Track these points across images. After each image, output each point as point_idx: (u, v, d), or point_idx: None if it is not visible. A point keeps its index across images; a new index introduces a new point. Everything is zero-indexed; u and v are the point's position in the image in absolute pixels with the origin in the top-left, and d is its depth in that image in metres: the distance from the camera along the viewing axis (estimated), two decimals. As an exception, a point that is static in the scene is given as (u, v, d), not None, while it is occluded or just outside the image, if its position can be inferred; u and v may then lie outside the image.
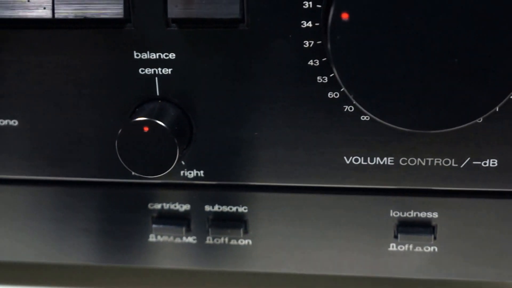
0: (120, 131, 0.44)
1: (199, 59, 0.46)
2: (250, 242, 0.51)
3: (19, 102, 0.48)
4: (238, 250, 0.51)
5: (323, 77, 0.45)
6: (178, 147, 0.45)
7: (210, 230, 0.50)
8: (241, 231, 0.50)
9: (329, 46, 0.41)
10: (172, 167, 0.45)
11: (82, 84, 0.47)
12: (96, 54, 0.47)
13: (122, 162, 0.45)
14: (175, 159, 0.45)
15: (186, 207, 0.50)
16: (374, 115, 0.42)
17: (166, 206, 0.51)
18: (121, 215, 0.51)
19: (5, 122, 0.49)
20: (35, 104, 0.48)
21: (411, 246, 0.49)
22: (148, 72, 0.46)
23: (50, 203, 0.52)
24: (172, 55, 0.46)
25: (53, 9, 0.45)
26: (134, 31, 0.46)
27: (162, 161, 0.45)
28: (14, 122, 0.49)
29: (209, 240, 0.51)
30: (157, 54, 0.46)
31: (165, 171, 0.45)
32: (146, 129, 0.44)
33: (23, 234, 0.52)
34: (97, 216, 0.51)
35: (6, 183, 0.51)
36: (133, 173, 0.45)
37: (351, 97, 0.42)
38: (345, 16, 0.40)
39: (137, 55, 0.46)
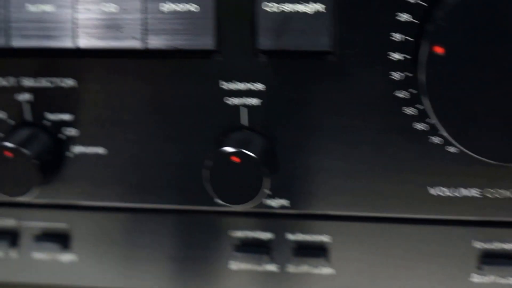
0: (209, 160, 0.45)
1: (287, 90, 0.46)
2: (332, 271, 0.51)
3: (107, 130, 0.49)
4: (320, 279, 0.51)
5: (410, 108, 0.45)
6: (266, 177, 0.45)
7: (292, 258, 0.50)
8: (324, 260, 0.50)
9: (422, 79, 0.41)
10: (260, 196, 0.45)
11: (169, 113, 0.48)
12: (183, 83, 0.47)
13: (210, 191, 0.46)
14: (263, 188, 0.45)
15: (268, 235, 0.51)
16: (466, 148, 0.42)
17: (248, 234, 0.51)
18: (202, 242, 0.52)
19: (93, 150, 0.50)
20: (122, 132, 0.49)
21: (494, 278, 0.49)
22: (234, 101, 0.47)
23: (134, 229, 0.52)
24: (259, 85, 0.47)
25: (144, 40, 0.46)
26: (222, 61, 0.46)
27: (250, 190, 0.45)
28: (101, 150, 0.50)
29: (290, 268, 0.51)
30: (245, 84, 0.47)
31: (252, 201, 0.45)
32: (235, 159, 0.45)
33: (107, 260, 0.53)
34: (179, 243, 0.52)
35: (92, 210, 0.52)
36: (219, 201, 0.46)
37: (443, 129, 0.42)
38: (439, 50, 0.40)
39: (224, 85, 0.47)
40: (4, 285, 0.57)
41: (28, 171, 0.48)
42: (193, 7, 0.46)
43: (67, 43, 0.47)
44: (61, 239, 0.54)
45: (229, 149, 0.45)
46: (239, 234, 0.51)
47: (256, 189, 0.45)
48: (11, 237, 0.54)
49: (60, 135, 0.50)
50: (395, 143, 0.46)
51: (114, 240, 0.53)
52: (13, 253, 0.54)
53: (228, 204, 0.46)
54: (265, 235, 0.51)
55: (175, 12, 0.46)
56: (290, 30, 0.44)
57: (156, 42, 0.46)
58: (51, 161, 0.50)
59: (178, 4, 0.46)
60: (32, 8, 0.47)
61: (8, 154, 0.47)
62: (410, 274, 0.50)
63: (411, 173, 0.47)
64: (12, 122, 0.50)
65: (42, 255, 0.54)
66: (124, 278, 0.54)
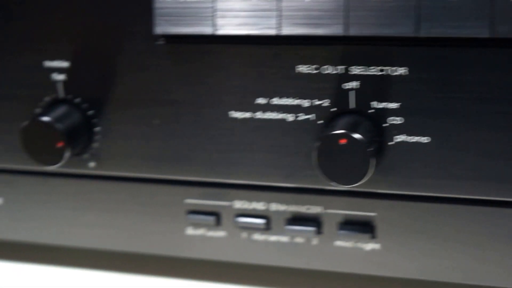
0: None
1: None
2: None
3: (433, 119, 0.48)
4: None
5: None
6: None
7: None
8: None
9: None
10: None
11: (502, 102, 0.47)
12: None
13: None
14: None
15: None
16: None
17: None
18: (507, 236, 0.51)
19: (415, 139, 0.49)
20: (450, 121, 0.48)
21: None
22: None
23: (437, 220, 0.52)
24: None
25: (492, 28, 0.45)
26: None
27: None
28: (425, 139, 0.49)
29: None
30: None
31: None
32: None
33: (411, 250, 0.53)
34: (482, 235, 0.51)
35: (401, 198, 0.53)
36: None
37: None
38: None
39: None
40: (302, 271, 0.57)
41: (362, 159, 0.47)
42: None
43: (406, 31, 0.46)
44: (367, 228, 0.53)
45: None
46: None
47: None
48: (316, 224, 0.54)
49: (384, 124, 0.49)
50: None
51: (419, 230, 0.52)
52: (315, 240, 0.54)
53: None
54: None
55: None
56: None
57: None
58: (376, 150, 0.49)
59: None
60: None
61: (343, 141, 0.47)
62: None
63: None
64: (334, 109, 0.50)
65: (345, 243, 0.54)
66: (429, 270, 0.53)
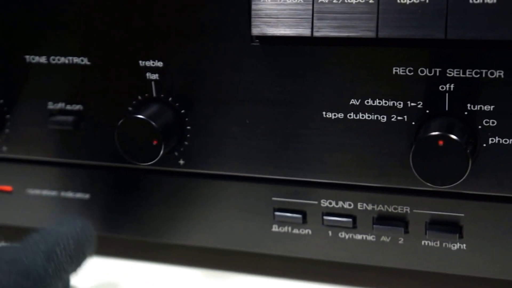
0: None
1: None
2: None
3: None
4: None
5: None
6: None
7: None
8: None
9: None
10: None
11: None
12: None
13: None
14: None
15: None
16: None
17: None
18: None
19: (509, 141, 0.50)
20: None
21: None
22: None
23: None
24: None
25: None
26: None
27: None
28: (520, 141, 0.50)
29: None
30: None
31: None
32: None
33: (497, 250, 0.55)
34: None
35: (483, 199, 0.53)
36: None
37: None
38: None
39: None
40: (387, 270, 0.58)
41: (460, 160, 0.48)
42: None
43: (506, 35, 0.47)
44: (455, 228, 0.54)
45: None
46: None
47: None
48: (403, 224, 0.55)
49: (478, 126, 0.50)
50: None
51: (507, 231, 0.53)
52: (401, 240, 0.55)
53: None
54: None
55: None
56: None
57: None
58: (472, 151, 0.50)
59: None
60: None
61: (441, 142, 0.48)
62: None
63: None
64: (428, 111, 0.51)
65: (431, 242, 0.55)
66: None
